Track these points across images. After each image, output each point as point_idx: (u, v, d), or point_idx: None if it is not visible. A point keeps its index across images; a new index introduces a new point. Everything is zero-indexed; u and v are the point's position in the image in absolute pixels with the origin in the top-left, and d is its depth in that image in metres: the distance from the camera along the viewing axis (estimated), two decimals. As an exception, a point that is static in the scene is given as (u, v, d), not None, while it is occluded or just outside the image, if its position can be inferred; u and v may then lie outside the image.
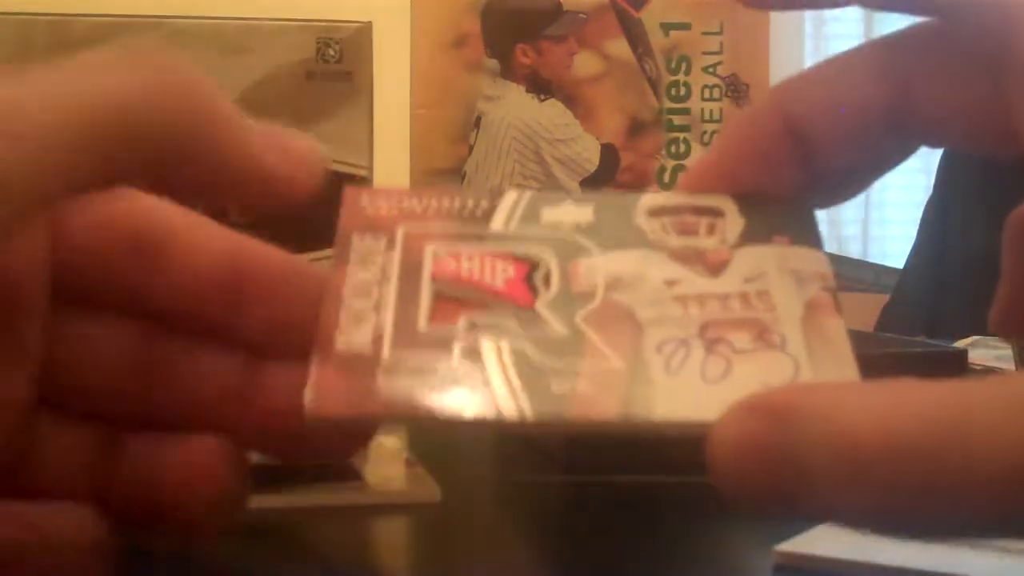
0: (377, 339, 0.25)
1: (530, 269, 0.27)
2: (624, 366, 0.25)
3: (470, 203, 0.29)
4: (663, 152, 1.24)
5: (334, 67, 0.53)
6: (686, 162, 1.22)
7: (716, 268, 0.27)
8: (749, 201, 0.29)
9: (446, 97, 1.28)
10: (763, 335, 0.26)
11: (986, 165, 1.70)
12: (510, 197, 0.29)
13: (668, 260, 0.28)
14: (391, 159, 1.13)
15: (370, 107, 0.55)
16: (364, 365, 0.25)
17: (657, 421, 0.24)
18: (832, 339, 0.26)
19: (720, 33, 1.26)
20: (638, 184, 1.22)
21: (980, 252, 1.50)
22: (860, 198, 2.32)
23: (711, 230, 0.28)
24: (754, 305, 0.26)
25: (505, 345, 0.25)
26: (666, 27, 1.26)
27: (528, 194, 0.29)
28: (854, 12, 2.36)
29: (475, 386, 0.25)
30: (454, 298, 0.27)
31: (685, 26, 1.28)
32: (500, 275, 0.27)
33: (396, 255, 0.28)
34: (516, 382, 0.25)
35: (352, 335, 0.25)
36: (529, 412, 0.24)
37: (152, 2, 0.64)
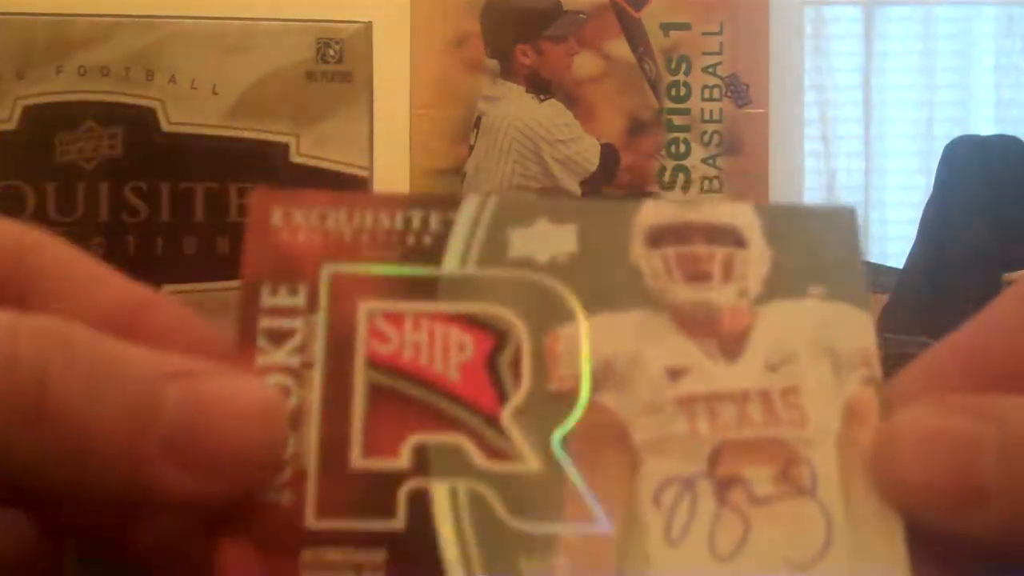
0: (298, 480, 0.20)
1: (494, 346, 0.21)
2: (615, 533, 0.20)
3: (416, 220, 0.22)
4: (663, 152, 1.24)
5: (334, 67, 0.53)
6: (686, 162, 1.22)
7: (733, 345, 0.22)
8: (777, 215, 0.23)
9: (446, 97, 1.28)
10: (789, 470, 0.20)
11: (986, 165, 1.70)
12: (468, 210, 0.22)
13: (673, 329, 0.22)
14: (391, 159, 1.13)
15: (370, 107, 0.55)
16: (283, 535, 0.20)
17: None
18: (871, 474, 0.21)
19: (720, 33, 1.26)
20: (638, 184, 1.22)
21: (980, 252, 1.50)
22: (860, 198, 2.32)
23: (728, 271, 0.22)
24: (779, 414, 0.21)
25: (463, 491, 0.20)
26: (666, 27, 1.26)
27: (492, 205, 0.22)
28: (854, 12, 2.36)
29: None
30: (396, 397, 0.21)
31: (685, 26, 1.28)
32: (455, 357, 0.21)
33: (320, 321, 0.21)
34: (476, 562, 0.19)
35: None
36: None
37: (152, 2, 0.64)
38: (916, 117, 2.38)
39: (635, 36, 1.26)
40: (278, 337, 0.21)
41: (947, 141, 1.89)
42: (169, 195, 0.52)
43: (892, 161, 2.34)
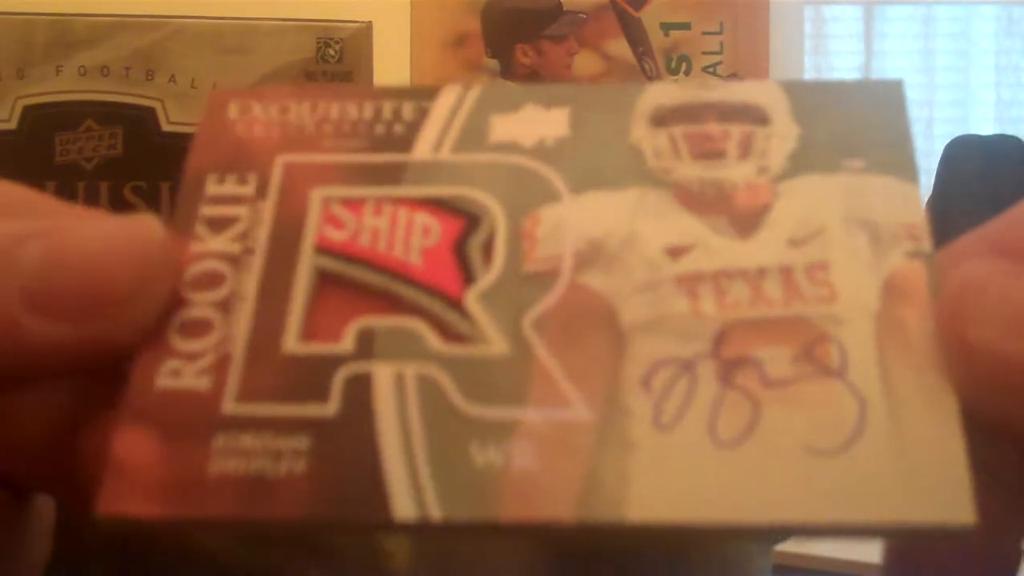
0: (220, 365, 0.17)
1: (464, 229, 0.18)
2: (590, 417, 0.16)
3: (387, 111, 0.20)
4: (663, 152, 1.25)
5: (334, 67, 0.53)
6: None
7: (748, 221, 0.18)
8: (809, 91, 0.19)
9: (446, 97, 1.28)
10: (812, 350, 0.17)
11: (986, 165, 1.70)
12: (446, 99, 0.20)
13: (674, 205, 0.18)
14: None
15: (370, 107, 0.55)
16: (195, 421, 0.17)
17: (635, 524, 0.15)
18: (919, 354, 0.16)
19: (720, 33, 1.26)
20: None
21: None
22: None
23: (746, 148, 0.19)
24: (803, 290, 0.17)
25: (411, 375, 0.17)
26: (666, 27, 1.26)
27: (474, 92, 0.20)
28: (854, 12, 2.36)
29: (356, 464, 0.16)
30: (346, 283, 0.18)
31: (685, 26, 1.28)
32: (417, 241, 0.18)
33: (268, 208, 0.19)
34: (419, 450, 0.16)
35: (182, 361, 0.17)
36: (436, 510, 0.16)
37: (152, 2, 0.64)
38: (916, 117, 2.39)
39: (635, 36, 1.26)
40: (219, 225, 0.19)
41: (947, 141, 1.89)
42: (169, 195, 0.52)
43: (892, 161, 2.35)
